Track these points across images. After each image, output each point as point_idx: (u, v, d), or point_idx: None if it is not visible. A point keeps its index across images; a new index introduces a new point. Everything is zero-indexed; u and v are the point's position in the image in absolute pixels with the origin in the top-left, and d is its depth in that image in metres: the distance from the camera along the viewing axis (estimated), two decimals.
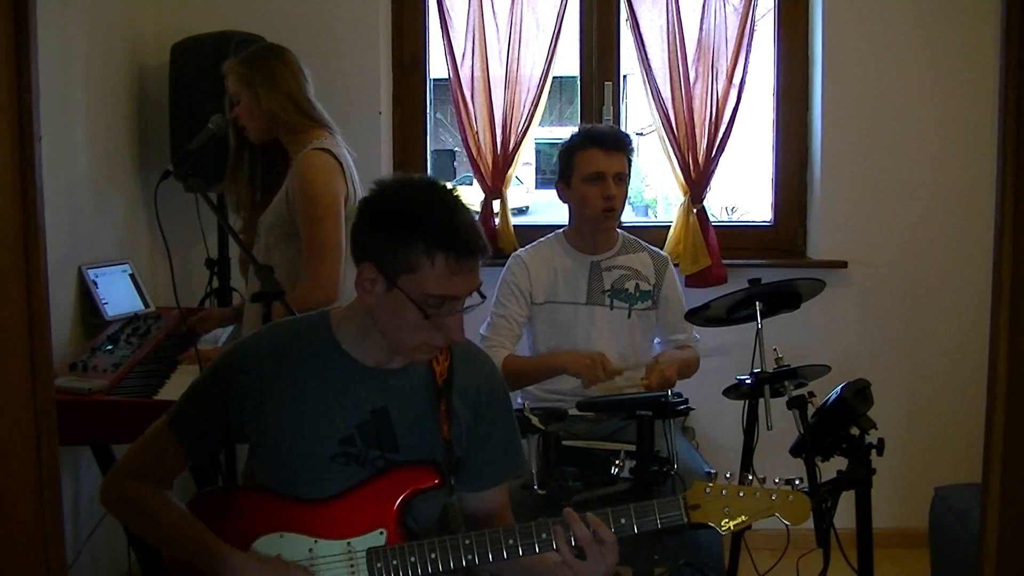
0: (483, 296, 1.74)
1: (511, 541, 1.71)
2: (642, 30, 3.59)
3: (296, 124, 2.64)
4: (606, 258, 2.92)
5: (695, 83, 3.58)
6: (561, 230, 2.99)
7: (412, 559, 1.72)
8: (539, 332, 2.91)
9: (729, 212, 4.26)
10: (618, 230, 2.96)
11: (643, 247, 3.00)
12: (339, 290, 2.55)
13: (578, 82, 3.78)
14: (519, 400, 2.81)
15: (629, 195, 2.96)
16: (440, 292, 1.66)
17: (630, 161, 2.86)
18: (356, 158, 2.75)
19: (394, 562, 1.72)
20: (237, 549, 1.71)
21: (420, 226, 1.64)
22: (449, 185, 1.75)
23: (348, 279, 2.40)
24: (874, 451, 2.57)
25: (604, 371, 2.65)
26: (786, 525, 1.73)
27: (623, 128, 3.55)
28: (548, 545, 1.71)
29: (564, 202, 2.93)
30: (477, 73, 3.63)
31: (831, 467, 2.62)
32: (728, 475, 1.75)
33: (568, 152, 2.86)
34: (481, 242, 1.69)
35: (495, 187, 3.65)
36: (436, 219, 1.65)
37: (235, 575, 1.68)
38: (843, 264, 3.62)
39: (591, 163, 2.80)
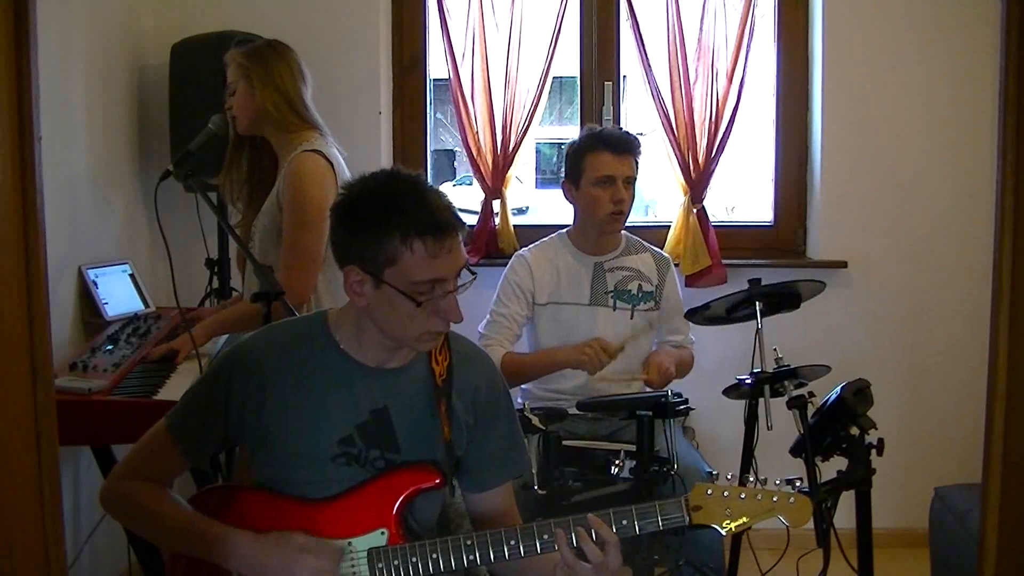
0: (473, 273, 1.74)
1: (512, 541, 1.71)
2: (642, 30, 3.59)
3: (286, 123, 2.64)
4: (610, 259, 2.92)
5: (695, 83, 3.59)
6: (565, 230, 2.98)
7: (413, 559, 1.72)
8: (541, 333, 2.91)
9: (729, 212, 4.25)
10: (621, 231, 2.96)
11: (646, 248, 3.00)
12: (310, 296, 2.58)
13: (578, 82, 3.79)
14: (519, 400, 2.82)
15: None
16: (426, 277, 1.66)
17: (638, 164, 2.86)
18: (347, 157, 2.75)
19: (395, 562, 1.72)
20: (237, 529, 1.71)
21: (391, 217, 1.65)
22: (413, 171, 1.75)
23: (336, 283, 2.41)
24: (874, 451, 2.57)
25: (605, 354, 2.65)
26: (787, 526, 1.73)
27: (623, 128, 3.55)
28: (550, 546, 1.70)
29: (571, 203, 2.92)
30: (477, 73, 3.63)
31: (831, 467, 2.62)
32: (729, 476, 1.75)
33: (577, 153, 2.85)
34: (455, 218, 1.69)
35: (495, 187, 3.65)
36: (405, 206, 1.65)
37: (237, 554, 1.69)
38: (843, 264, 3.62)
39: (602, 166, 2.79)
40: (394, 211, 1.65)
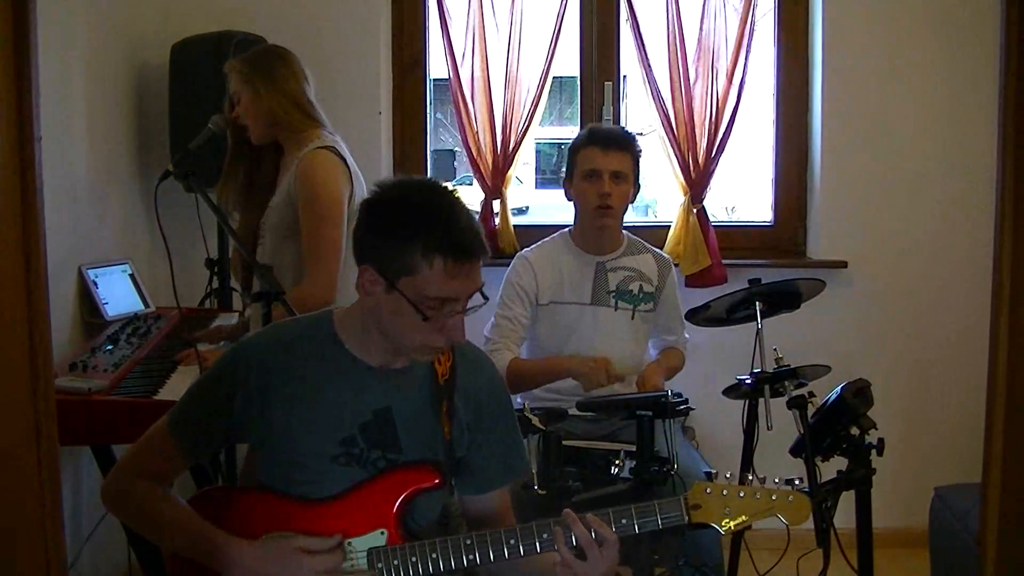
0: (485, 297, 1.74)
1: (512, 541, 1.71)
2: (642, 30, 3.59)
3: (297, 124, 2.66)
4: (611, 259, 2.92)
5: (695, 83, 3.59)
6: (567, 230, 2.99)
7: (413, 559, 1.72)
8: (542, 332, 2.91)
9: (729, 212, 4.26)
10: (623, 231, 2.97)
11: (647, 249, 3.00)
12: (336, 290, 2.56)
13: (578, 82, 3.79)
14: (519, 400, 2.81)
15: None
16: (438, 294, 1.66)
17: (636, 161, 2.86)
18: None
19: (395, 562, 1.72)
20: (239, 538, 1.71)
21: (418, 229, 1.65)
22: (450, 186, 1.76)
23: (349, 279, 2.41)
24: (874, 451, 2.57)
25: (607, 376, 2.65)
26: (786, 525, 1.73)
27: (621, 127, 3.55)
28: (549, 545, 1.71)
29: (569, 200, 2.94)
30: (477, 73, 3.63)
31: (831, 467, 2.62)
32: (728, 475, 1.75)
33: (572, 151, 2.91)
34: (480, 245, 1.69)
35: (495, 187, 3.65)
36: (434, 222, 1.65)
37: (239, 564, 1.69)
38: (843, 264, 3.62)
39: (588, 160, 2.82)
40: (422, 223, 1.65)
